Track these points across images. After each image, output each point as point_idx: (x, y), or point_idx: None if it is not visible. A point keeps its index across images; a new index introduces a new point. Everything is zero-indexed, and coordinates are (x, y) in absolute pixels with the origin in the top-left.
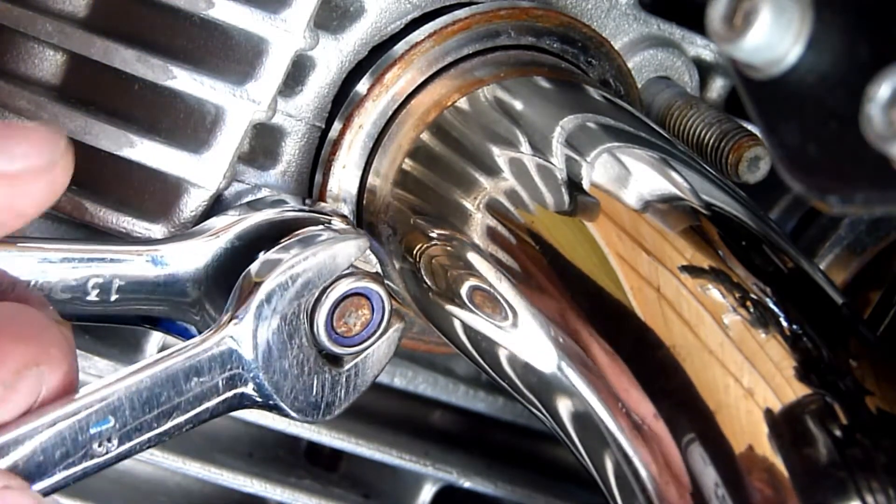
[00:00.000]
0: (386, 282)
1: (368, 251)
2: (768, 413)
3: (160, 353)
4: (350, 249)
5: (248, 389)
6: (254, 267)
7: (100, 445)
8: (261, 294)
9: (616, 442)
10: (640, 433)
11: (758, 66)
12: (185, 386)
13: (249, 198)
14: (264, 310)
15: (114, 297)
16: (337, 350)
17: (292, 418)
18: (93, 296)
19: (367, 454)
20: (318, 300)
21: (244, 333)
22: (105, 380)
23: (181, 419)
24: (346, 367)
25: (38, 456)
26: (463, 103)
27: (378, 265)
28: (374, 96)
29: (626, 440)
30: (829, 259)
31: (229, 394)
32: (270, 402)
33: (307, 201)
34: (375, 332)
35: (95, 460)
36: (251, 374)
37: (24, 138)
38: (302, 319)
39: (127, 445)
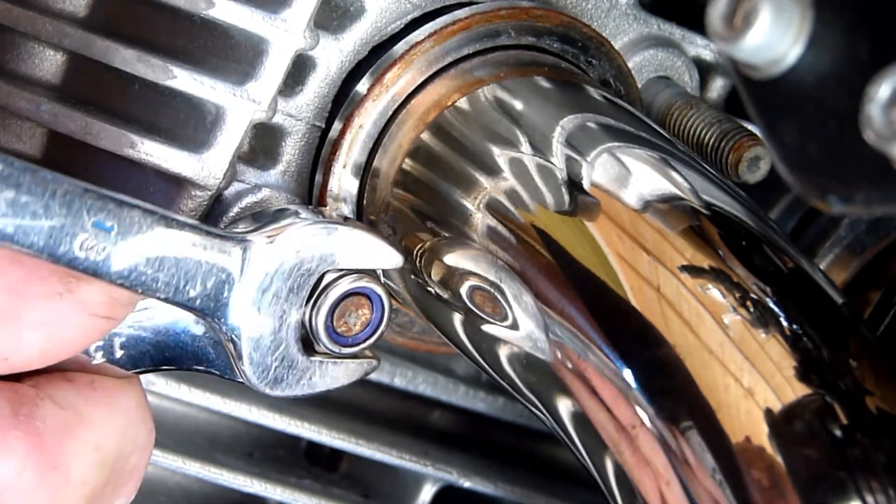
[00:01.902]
0: (386, 282)
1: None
2: (768, 413)
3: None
4: (386, 256)
5: (219, 307)
6: (299, 209)
7: (80, 248)
8: (295, 231)
9: (616, 441)
10: (639, 433)
11: (758, 66)
12: (190, 258)
13: (249, 198)
14: (289, 246)
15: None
16: (325, 343)
17: (238, 371)
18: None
19: (367, 454)
20: (323, 291)
21: (262, 256)
22: (141, 203)
23: (160, 287)
24: (311, 359)
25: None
26: (463, 103)
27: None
28: (374, 96)
29: (626, 440)
30: (829, 259)
31: (206, 292)
32: (231, 336)
33: (309, 207)
34: (375, 331)
35: (70, 256)
36: (230, 294)
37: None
38: (310, 284)
39: (101, 268)
